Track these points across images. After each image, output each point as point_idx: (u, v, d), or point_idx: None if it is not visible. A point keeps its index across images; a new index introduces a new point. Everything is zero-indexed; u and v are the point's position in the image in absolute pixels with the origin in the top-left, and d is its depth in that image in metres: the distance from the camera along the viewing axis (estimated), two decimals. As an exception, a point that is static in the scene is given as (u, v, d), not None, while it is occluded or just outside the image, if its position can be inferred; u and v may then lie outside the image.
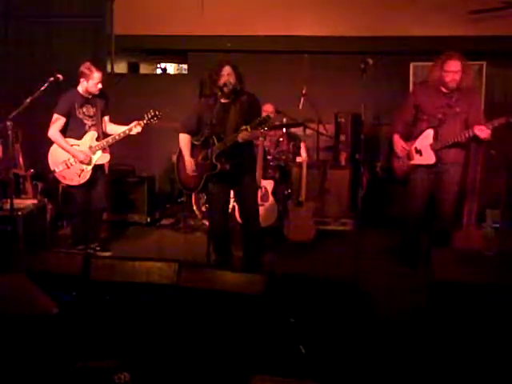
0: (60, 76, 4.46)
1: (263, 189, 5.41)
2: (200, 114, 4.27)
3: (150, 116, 4.68)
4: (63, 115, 4.71)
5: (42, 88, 4.41)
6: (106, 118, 4.95)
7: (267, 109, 5.49)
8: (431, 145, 4.42)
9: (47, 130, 4.72)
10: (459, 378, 2.66)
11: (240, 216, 4.68)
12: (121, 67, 7.70)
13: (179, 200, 6.16)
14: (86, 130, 4.77)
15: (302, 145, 5.79)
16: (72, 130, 4.76)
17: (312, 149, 6.06)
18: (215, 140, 4.11)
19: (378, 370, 2.69)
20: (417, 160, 4.52)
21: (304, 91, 5.80)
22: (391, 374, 2.70)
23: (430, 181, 4.52)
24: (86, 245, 4.92)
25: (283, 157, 5.78)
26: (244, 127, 3.99)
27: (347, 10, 6.49)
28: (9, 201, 4.43)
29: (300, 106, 5.80)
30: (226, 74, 4.09)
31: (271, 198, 5.43)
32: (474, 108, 4.41)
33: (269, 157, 5.73)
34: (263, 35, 6.65)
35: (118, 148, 5.00)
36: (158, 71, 8.68)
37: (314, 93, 5.89)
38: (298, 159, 5.78)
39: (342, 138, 6.39)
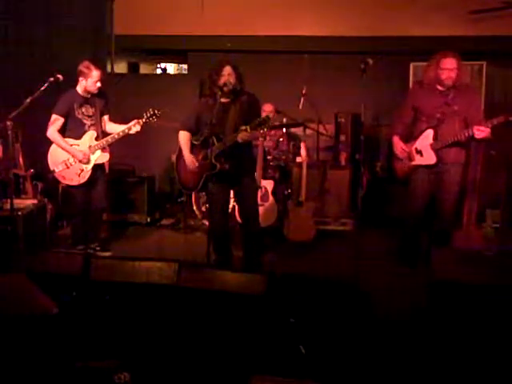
0: (60, 76, 4.46)
1: (263, 189, 5.41)
2: (200, 113, 4.26)
3: (148, 115, 4.67)
4: (62, 116, 4.71)
5: (42, 88, 4.41)
6: (106, 118, 4.95)
7: (267, 108, 5.49)
8: (431, 145, 4.42)
9: (47, 130, 4.72)
10: (459, 378, 2.66)
11: (240, 216, 4.67)
12: (121, 67, 7.71)
13: (179, 200, 6.15)
14: (85, 130, 4.77)
15: (302, 145, 5.78)
16: (71, 129, 4.76)
17: (312, 149, 6.05)
18: (215, 140, 4.10)
19: (378, 370, 2.69)
20: (418, 160, 4.51)
21: (304, 91, 5.79)
22: (391, 373, 2.70)
23: (430, 181, 4.51)
24: (85, 245, 4.92)
25: (283, 157, 5.78)
26: (243, 127, 3.99)
27: (347, 10, 6.50)
28: (9, 201, 4.43)
29: (300, 106, 5.79)
30: (227, 74, 4.08)
31: (271, 198, 5.43)
32: (474, 107, 4.41)
33: (269, 157, 5.72)
34: (263, 35, 6.66)
35: (117, 148, 5.00)
36: (158, 71, 8.69)
37: (314, 93, 5.88)
38: (298, 159, 5.78)
39: (342, 138, 6.40)
